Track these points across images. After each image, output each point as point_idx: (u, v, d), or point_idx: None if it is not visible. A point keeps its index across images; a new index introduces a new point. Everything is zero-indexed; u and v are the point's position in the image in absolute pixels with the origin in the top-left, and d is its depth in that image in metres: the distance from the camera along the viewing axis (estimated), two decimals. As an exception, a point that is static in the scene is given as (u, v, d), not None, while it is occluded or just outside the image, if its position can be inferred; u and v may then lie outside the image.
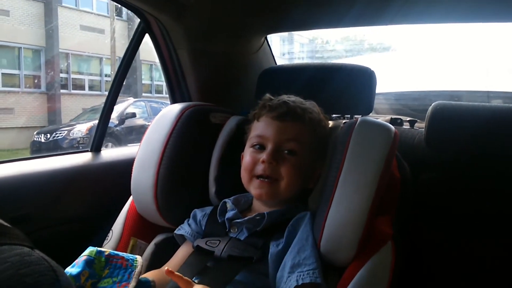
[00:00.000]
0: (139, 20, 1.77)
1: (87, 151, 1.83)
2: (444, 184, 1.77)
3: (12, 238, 0.57)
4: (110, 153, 1.96)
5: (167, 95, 1.98)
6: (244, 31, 1.98)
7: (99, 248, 1.05)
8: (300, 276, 1.11)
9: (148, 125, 1.50)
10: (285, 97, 1.34)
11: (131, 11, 1.72)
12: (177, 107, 1.49)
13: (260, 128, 1.32)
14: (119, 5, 1.67)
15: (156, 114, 1.51)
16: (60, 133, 8.93)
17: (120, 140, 8.63)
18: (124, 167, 1.52)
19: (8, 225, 0.60)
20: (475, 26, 2.04)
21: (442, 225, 1.77)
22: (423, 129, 1.74)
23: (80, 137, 8.65)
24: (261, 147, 1.30)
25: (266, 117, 1.32)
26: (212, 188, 1.45)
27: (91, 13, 13.54)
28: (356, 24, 2.15)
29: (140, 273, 1.05)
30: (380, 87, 1.67)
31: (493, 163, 1.70)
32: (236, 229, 1.27)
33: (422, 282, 1.75)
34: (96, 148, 1.83)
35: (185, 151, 1.42)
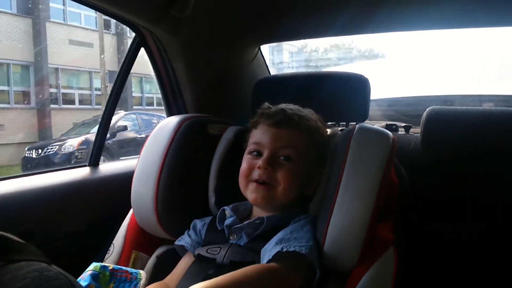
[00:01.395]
0: (128, 33, 1.78)
1: (85, 165, 1.83)
2: (442, 188, 1.79)
3: (29, 254, 0.57)
4: (108, 167, 1.95)
5: (158, 107, 1.98)
6: (238, 42, 1.99)
7: (102, 263, 1.06)
8: (286, 246, 1.12)
9: (140, 137, 1.50)
10: (283, 105, 1.36)
11: (126, 25, 1.72)
12: (175, 119, 1.49)
13: (257, 135, 1.34)
14: (110, 19, 1.67)
15: (147, 126, 1.51)
16: (52, 148, 8.87)
17: (112, 154, 8.59)
18: (123, 180, 1.52)
19: (24, 242, 0.60)
20: (465, 31, 2.06)
21: (441, 227, 1.79)
22: (419, 134, 1.76)
23: (72, 152, 8.59)
24: (258, 154, 1.31)
25: (263, 124, 1.34)
26: (211, 199, 1.45)
27: (80, 27, 13.53)
28: (345, 33, 2.18)
29: (145, 285, 1.06)
30: (372, 94, 1.69)
31: (490, 163, 1.74)
32: (235, 236, 1.28)
33: (426, 285, 1.77)
34: (94, 163, 1.83)
35: (184, 162, 1.42)
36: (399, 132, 2.03)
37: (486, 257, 1.74)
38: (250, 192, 1.29)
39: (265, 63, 2.24)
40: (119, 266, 1.09)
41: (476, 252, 1.76)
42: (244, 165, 1.33)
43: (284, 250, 1.11)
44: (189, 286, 1.17)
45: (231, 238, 1.28)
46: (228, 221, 1.31)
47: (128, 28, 1.76)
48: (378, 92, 1.69)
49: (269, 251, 1.13)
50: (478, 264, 1.74)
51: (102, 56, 11.82)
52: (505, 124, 1.67)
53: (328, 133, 1.43)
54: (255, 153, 1.32)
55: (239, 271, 1.05)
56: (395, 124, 2.03)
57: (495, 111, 1.74)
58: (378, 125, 1.95)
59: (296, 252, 1.12)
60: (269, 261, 1.10)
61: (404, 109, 2.87)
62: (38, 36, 12.32)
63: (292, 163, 1.28)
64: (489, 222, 1.74)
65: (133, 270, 1.09)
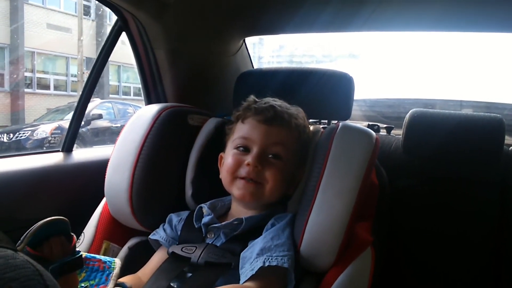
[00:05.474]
0: (108, 20, 1.73)
1: (58, 151, 1.77)
2: (419, 190, 1.80)
3: None
4: (83, 153, 1.89)
5: (135, 97, 1.94)
6: (222, 33, 1.96)
7: None
8: (268, 259, 1.10)
9: (115, 126, 1.46)
10: (271, 100, 1.33)
11: (108, 7, 1.67)
12: (154, 108, 1.46)
13: (245, 130, 1.30)
14: (90, 5, 1.63)
15: (122, 116, 1.47)
16: (24, 133, 8.68)
17: (86, 141, 8.46)
18: (97, 168, 1.48)
19: None
20: (447, 36, 2.08)
21: (418, 230, 1.79)
22: (400, 136, 1.76)
23: (45, 137, 8.43)
24: (245, 150, 1.27)
25: (252, 119, 1.30)
26: (188, 191, 1.42)
27: (58, 11, 13.27)
28: (328, 30, 2.17)
29: (118, 275, 1.02)
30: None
31: (459, 169, 1.76)
32: (213, 235, 1.25)
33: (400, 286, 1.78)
34: (67, 148, 1.77)
35: (162, 153, 1.39)
36: (381, 133, 2.03)
37: (461, 253, 1.76)
38: (236, 189, 1.26)
39: (249, 56, 2.22)
40: (92, 255, 1.04)
41: (447, 257, 1.78)
42: (230, 161, 1.28)
43: (267, 264, 1.09)
44: (161, 281, 1.15)
45: (208, 237, 1.26)
46: (205, 219, 1.29)
47: (108, 15, 1.71)
48: (359, 92, 1.68)
49: (250, 263, 1.11)
50: (452, 262, 1.76)
51: (81, 38, 11.58)
52: (473, 130, 1.69)
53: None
54: (242, 148, 1.28)
55: None
56: (377, 125, 2.04)
57: (478, 116, 1.75)
58: (360, 125, 1.95)
59: (278, 266, 1.10)
60: (251, 277, 1.08)
61: (385, 111, 2.89)
62: (15, 18, 12.02)
63: (280, 162, 1.26)
64: (459, 228, 1.76)
65: (107, 259, 1.05)
